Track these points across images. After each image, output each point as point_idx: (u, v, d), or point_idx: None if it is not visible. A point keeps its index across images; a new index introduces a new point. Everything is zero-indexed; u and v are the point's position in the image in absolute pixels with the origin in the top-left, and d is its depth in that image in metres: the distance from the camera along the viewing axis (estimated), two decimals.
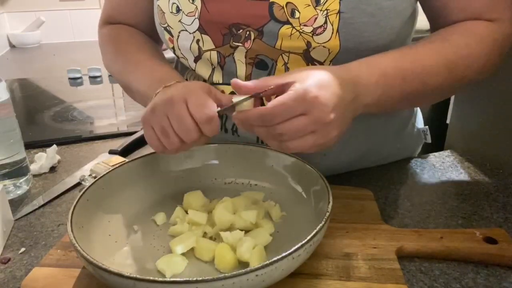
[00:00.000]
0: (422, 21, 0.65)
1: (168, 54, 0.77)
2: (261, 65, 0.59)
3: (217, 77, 0.63)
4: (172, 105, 0.50)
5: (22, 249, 0.55)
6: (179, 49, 0.64)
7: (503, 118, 0.75)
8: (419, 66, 0.53)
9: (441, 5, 0.58)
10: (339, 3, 0.53)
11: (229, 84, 0.61)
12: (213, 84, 0.63)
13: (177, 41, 0.62)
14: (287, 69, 0.58)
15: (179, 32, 0.61)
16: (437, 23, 0.60)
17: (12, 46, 2.15)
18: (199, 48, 0.61)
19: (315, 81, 0.46)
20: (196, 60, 0.63)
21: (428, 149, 0.82)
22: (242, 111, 0.48)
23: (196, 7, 0.58)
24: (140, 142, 0.88)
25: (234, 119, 0.49)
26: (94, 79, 1.49)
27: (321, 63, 0.57)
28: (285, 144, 0.47)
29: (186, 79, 0.69)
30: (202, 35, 0.59)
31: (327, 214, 0.46)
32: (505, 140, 0.75)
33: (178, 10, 0.60)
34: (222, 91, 0.62)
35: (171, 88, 0.54)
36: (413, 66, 0.53)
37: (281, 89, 0.47)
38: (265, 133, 0.48)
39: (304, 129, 0.45)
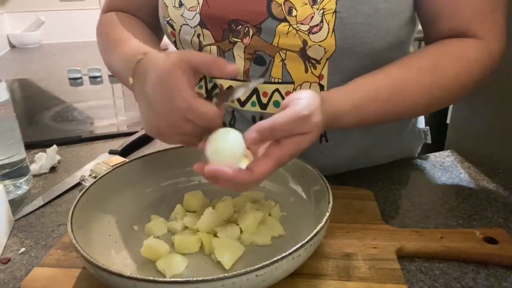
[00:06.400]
0: None
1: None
2: (259, 61, 0.60)
3: None
4: (167, 117, 0.47)
5: (22, 249, 0.55)
6: (181, 43, 0.65)
7: (503, 118, 0.75)
8: (400, 98, 0.56)
9: (432, 12, 0.59)
10: (336, 2, 0.53)
11: (226, 78, 0.62)
12: (211, 78, 0.65)
13: (178, 34, 0.64)
14: (284, 65, 0.59)
15: (181, 26, 0.62)
16: (429, 30, 0.61)
17: (12, 46, 2.15)
18: (200, 42, 0.62)
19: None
20: None
21: (428, 149, 0.82)
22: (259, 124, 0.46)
23: (198, 1, 0.59)
24: (140, 142, 0.88)
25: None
26: (94, 79, 1.49)
27: (317, 61, 0.57)
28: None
29: None
30: (203, 29, 0.60)
31: (327, 214, 0.46)
32: (505, 140, 0.75)
33: (181, 4, 0.61)
34: (221, 85, 0.64)
35: (148, 81, 0.49)
36: (393, 97, 0.55)
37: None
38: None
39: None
